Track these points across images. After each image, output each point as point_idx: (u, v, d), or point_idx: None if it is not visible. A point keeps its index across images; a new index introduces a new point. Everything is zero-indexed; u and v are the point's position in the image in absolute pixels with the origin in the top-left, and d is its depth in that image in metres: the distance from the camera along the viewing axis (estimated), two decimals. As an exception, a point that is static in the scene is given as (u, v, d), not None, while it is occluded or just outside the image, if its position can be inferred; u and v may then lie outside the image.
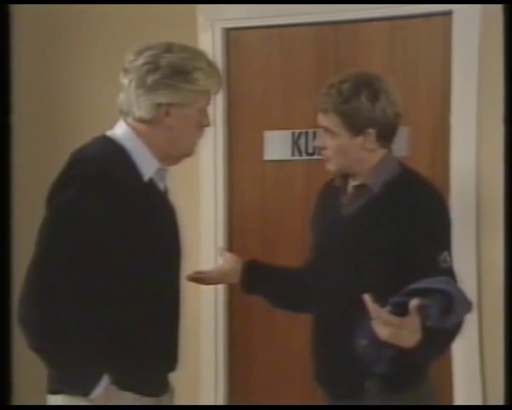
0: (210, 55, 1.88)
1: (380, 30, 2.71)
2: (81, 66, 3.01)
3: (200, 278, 2.17)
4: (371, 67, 2.69)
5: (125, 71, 1.80)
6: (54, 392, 1.77)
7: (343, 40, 2.76)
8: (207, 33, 2.83)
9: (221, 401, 2.86)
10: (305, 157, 2.82)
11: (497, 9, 2.43)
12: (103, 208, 1.67)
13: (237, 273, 2.18)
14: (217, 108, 2.76)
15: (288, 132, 2.83)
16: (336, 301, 1.95)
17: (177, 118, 1.78)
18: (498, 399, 2.45)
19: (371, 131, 1.93)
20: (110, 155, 1.76)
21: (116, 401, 1.69)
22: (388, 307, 1.71)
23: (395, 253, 1.87)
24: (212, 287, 2.85)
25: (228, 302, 2.88)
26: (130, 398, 1.72)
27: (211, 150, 2.82)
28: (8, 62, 2.94)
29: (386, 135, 1.96)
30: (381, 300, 1.75)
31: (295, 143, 2.82)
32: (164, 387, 1.84)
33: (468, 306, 1.80)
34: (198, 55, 1.80)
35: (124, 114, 1.82)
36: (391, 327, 1.68)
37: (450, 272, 1.86)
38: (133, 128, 1.80)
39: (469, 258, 2.53)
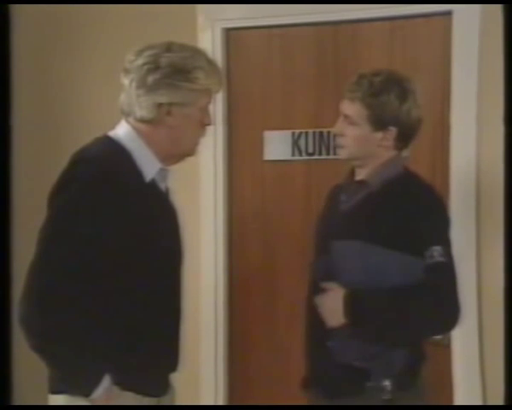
0: (210, 55, 1.89)
1: (380, 30, 2.71)
2: (81, 66, 3.01)
3: None
4: (371, 67, 2.69)
5: (126, 71, 1.80)
6: (55, 392, 1.77)
7: (343, 40, 2.76)
8: (207, 33, 2.82)
9: (221, 402, 2.86)
10: (305, 157, 2.82)
11: (497, 9, 2.43)
12: (104, 209, 1.67)
13: None
14: (217, 108, 2.76)
15: (288, 132, 2.83)
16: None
17: (178, 117, 1.78)
18: (498, 399, 2.46)
19: (393, 128, 1.97)
20: (112, 155, 1.76)
21: (117, 401, 1.69)
22: None
23: (384, 246, 1.88)
24: (211, 287, 2.86)
25: (228, 303, 2.88)
26: (131, 398, 1.72)
27: (211, 150, 2.82)
28: (8, 62, 2.94)
29: (404, 136, 1.99)
30: None
31: (295, 142, 2.82)
32: (165, 387, 1.85)
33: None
34: (198, 53, 1.81)
35: (125, 114, 1.83)
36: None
37: (437, 268, 1.87)
38: (135, 128, 1.80)
39: (469, 258, 2.52)
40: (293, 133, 2.82)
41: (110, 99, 2.90)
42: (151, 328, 1.76)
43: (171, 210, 1.89)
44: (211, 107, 1.86)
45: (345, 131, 2.02)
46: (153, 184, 1.80)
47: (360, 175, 2.03)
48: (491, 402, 2.53)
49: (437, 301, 1.87)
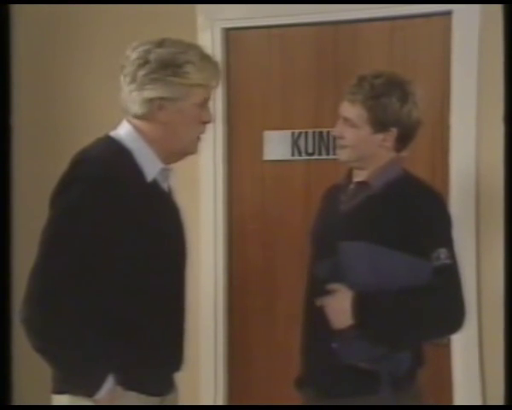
0: (205, 51, 1.87)
1: (380, 30, 2.71)
2: (81, 65, 3.01)
3: None
4: (371, 67, 2.69)
5: (122, 67, 1.81)
6: (58, 392, 1.77)
7: (343, 40, 2.76)
8: (207, 33, 2.82)
9: (220, 402, 2.86)
10: (304, 157, 2.81)
11: (497, 9, 2.43)
12: (106, 210, 1.67)
13: None
14: (216, 107, 2.76)
15: (288, 132, 2.83)
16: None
17: (170, 113, 1.76)
18: (498, 399, 2.45)
19: (393, 130, 1.97)
20: (113, 156, 1.75)
21: (120, 401, 1.69)
22: None
23: (390, 247, 1.88)
24: (211, 287, 2.86)
25: (227, 302, 2.88)
26: (134, 398, 1.72)
27: (210, 150, 2.82)
28: (8, 62, 2.94)
29: (404, 137, 2.00)
30: None
31: (295, 142, 2.82)
32: (168, 386, 1.84)
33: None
34: (191, 49, 1.78)
35: (124, 111, 1.83)
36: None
37: (443, 270, 1.88)
38: (135, 128, 1.80)
39: (469, 258, 2.52)
40: (292, 133, 2.82)
41: (110, 99, 2.89)
42: (154, 327, 1.75)
43: (174, 210, 1.88)
44: (210, 104, 1.85)
45: (345, 133, 2.01)
46: (155, 184, 1.80)
47: (359, 176, 2.03)
48: (490, 402, 2.53)
49: (444, 303, 1.87)
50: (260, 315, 2.85)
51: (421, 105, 2.00)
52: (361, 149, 1.99)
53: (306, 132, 2.80)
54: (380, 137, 1.97)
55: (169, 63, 1.74)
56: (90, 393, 1.67)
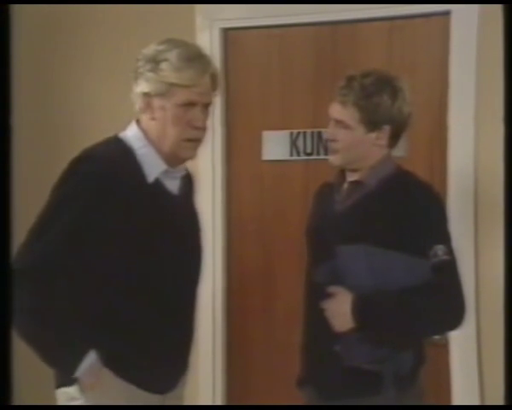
0: (200, 52, 1.85)
1: (378, 30, 2.71)
2: (81, 65, 3.01)
3: None
4: (370, 67, 2.69)
5: None
6: (58, 386, 1.79)
7: (342, 40, 2.76)
8: (206, 33, 2.82)
9: (219, 402, 2.85)
10: (303, 157, 2.81)
11: (496, 9, 2.43)
12: (98, 203, 1.69)
13: None
14: (215, 108, 2.75)
15: (287, 132, 2.82)
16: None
17: (156, 109, 1.78)
18: (496, 398, 2.45)
19: (387, 127, 1.96)
20: (115, 154, 1.78)
21: (109, 386, 1.68)
22: None
23: (388, 247, 1.88)
24: (209, 288, 2.85)
25: (226, 303, 2.88)
26: (124, 387, 1.71)
27: (209, 150, 2.82)
28: (8, 62, 2.95)
29: (397, 133, 2.00)
30: None
31: (293, 143, 2.82)
32: (167, 385, 1.83)
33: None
34: (177, 47, 1.78)
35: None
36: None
37: (442, 267, 1.87)
38: (139, 126, 1.82)
39: (467, 258, 2.52)
40: (291, 133, 2.82)
41: (110, 98, 2.93)
42: (144, 323, 1.76)
43: (182, 213, 1.86)
44: (204, 109, 1.81)
45: (337, 135, 2.00)
46: (157, 185, 1.80)
47: (352, 176, 2.02)
48: (489, 402, 2.52)
49: (445, 299, 1.88)
50: (259, 315, 2.85)
51: (409, 99, 2.00)
52: (354, 150, 1.98)
53: (305, 132, 2.80)
54: (373, 136, 1.97)
55: (150, 59, 1.77)
56: (69, 369, 1.67)
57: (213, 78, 1.82)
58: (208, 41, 2.81)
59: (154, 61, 1.76)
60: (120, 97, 2.86)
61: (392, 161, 2.02)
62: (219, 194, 2.86)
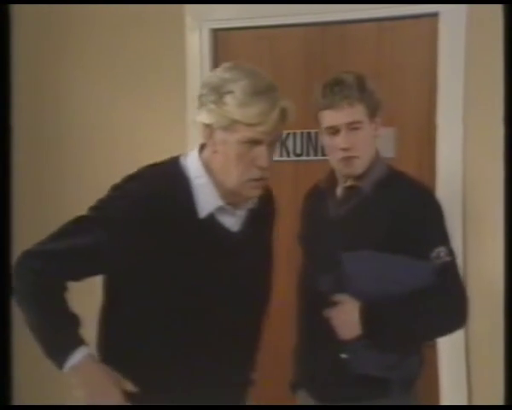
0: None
1: (368, 31, 2.72)
2: (80, 65, 2.99)
3: None
4: (359, 68, 2.70)
5: None
6: None
7: (331, 41, 2.76)
8: (195, 34, 2.82)
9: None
10: (293, 158, 2.82)
11: (483, 10, 2.45)
12: (142, 228, 1.62)
13: None
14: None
15: (276, 133, 2.83)
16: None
17: (218, 143, 1.63)
18: (484, 398, 2.47)
19: (379, 115, 1.97)
20: (171, 180, 1.67)
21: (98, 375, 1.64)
22: None
23: (391, 252, 1.86)
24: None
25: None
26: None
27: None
28: (8, 62, 2.94)
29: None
30: None
31: (283, 143, 2.82)
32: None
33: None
34: (247, 78, 1.60)
35: None
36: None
37: (445, 269, 1.87)
38: (200, 156, 1.69)
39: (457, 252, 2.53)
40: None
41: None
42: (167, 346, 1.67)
43: (239, 252, 1.71)
44: (270, 147, 1.66)
45: (354, 140, 1.91)
46: (210, 221, 1.66)
47: (347, 182, 1.99)
48: (476, 401, 2.54)
49: (451, 300, 1.87)
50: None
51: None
52: (370, 147, 1.95)
53: (295, 133, 2.81)
54: (373, 127, 1.96)
55: (214, 89, 1.61)
56: (58, 363, 1.62)
57: (283, 113, 1.63)
58: (198, 42, 2.81)
59: (218, 93, 1.59)
60: (118, 96, 2.90)
61: (383, 162, 2.01)
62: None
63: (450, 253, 1.91)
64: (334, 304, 1.89)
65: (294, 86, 2.80)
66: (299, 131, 2.80)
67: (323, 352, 1.95)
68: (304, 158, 2.80)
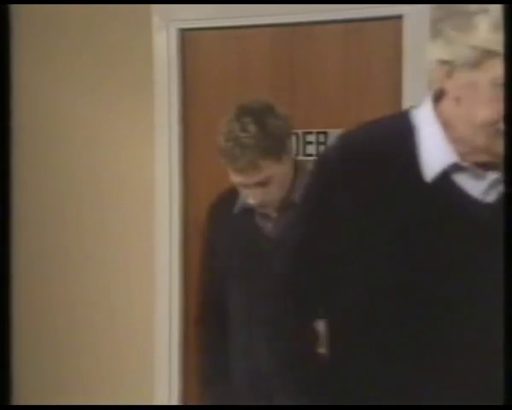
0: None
1: (334, 32, 2.73)
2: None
3: None
4: (326, 69, 2.73)
5: None
6: None
7: (299, 42, 2.78)
8: (162, 34, 2.82)
9: (175, 401, 2.84)
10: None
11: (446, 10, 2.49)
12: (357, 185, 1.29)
13: None
14: (172, 108, 2.76)
15: (244, 133, 2.83)
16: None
17: (460, 84, 1.23)
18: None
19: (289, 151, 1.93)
20: (389, 137, 1.32)
21: None
22: None
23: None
24: (166, 288, 2.84)
25: (182, 304, 2.87)
26: None
27: (166, 150, 2.82)
28: (8, 63, 2.93)
29: None
30: None
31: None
32: None
33: None
34: None
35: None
36: None
37: None
38: (434, 105, 1.33)
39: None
40: (248, 134, 2.82)
41: (73, 98, 2.89)
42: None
43: (471, 228, 1.26)
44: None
45: (265, 194, 1.84)
46: (439, 185, 1.26)
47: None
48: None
49: None
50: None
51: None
52: (284, 185, 1.87)
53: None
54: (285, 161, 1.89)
55: (458, 9, 1.20)
56: None
57: None
58: (165, 42, 2.81)
59: (465, 14, 1.19)
60: (83, 95, 2.88)
61: (306, 167, 1.91)
62: (176, 194, 2.85)
63: None
64: None
65: (262, 87, 2.81)
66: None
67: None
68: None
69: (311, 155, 2.73)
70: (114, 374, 2.81)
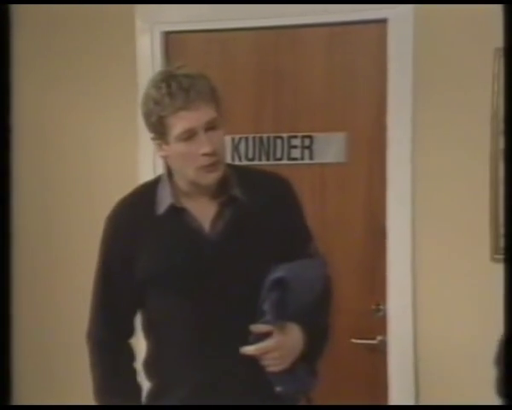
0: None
1: (319, 36, 2.73)
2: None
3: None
4: (311, 72, 2.72)
5: None
6: None
7: (283, 45, 2.77)
8: (146, 36, 2.80)
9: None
10: (244, 162, 2.81)
11: (430, 13, 2.51)
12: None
13: None
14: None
15: (228, 137, 2.81)
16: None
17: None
18: (430, 399, 2.50)
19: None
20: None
21: None
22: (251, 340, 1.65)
23: (290, 258, 1.73)
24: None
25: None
26: None
27: (150, 154, 2.79)
28: (8, 63, 2.90)
29: None
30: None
31: (235, 148, 2.81)
32: None
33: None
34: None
35: None
36: (268, 355, 1.63)
37: (325, 262, 1.80)
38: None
39: (404, 260, 2.56)
40: (232, 138, 2.81)
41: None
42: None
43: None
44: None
45: (215, 141, 1.69)
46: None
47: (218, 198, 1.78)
48: (423, 402, 2.55)
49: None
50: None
51: None
52: (225, 148, 1.79)
53: (247, 138, 2.80)
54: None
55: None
56: None
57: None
58: (149, 44, 2.79)
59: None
60: (66, 100, 2.86)
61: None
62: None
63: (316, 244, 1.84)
64: (262, 336, 1.66)
65: (246, 90, 2.80)
66: (251, 136, 2.79)
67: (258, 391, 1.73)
68: (256, 162, 2.79)
69: (295, 159, 2.73)
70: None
